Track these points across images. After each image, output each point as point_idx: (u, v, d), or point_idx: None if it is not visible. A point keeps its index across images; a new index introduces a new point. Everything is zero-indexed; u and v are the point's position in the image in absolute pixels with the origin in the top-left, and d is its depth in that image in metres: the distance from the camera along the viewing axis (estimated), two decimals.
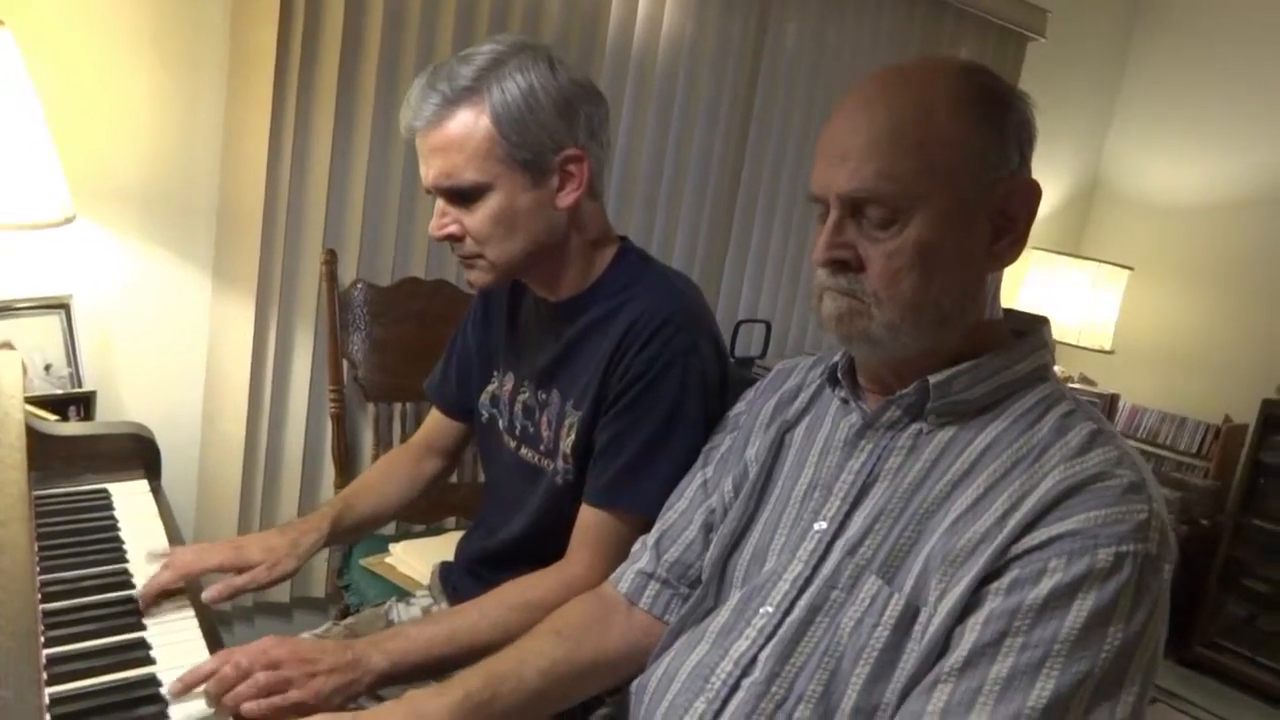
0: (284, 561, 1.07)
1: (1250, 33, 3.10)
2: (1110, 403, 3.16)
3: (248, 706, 0.81)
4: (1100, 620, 0.67)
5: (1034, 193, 0.79)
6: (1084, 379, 3.32)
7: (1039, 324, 0.86)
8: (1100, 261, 3.09)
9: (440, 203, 1.03)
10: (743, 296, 2.58)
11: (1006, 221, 0.78)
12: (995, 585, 0.70)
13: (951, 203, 0.75)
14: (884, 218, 0.75)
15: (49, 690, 0.80)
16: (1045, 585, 0.68)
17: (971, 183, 0.76)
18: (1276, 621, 2.81)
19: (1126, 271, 3.08)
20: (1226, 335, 3.14)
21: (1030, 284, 3.17)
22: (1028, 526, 0.70)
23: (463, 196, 1.00)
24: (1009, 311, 0.88)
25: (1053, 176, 3.31)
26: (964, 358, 0.80)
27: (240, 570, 1.05)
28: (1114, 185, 3.47)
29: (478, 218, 1.00)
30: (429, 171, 1.01)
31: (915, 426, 0.82)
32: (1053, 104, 3.09)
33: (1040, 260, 3.18)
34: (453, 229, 1.02)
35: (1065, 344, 3.08)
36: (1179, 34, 3.29)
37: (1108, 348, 3.08)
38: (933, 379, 0.80)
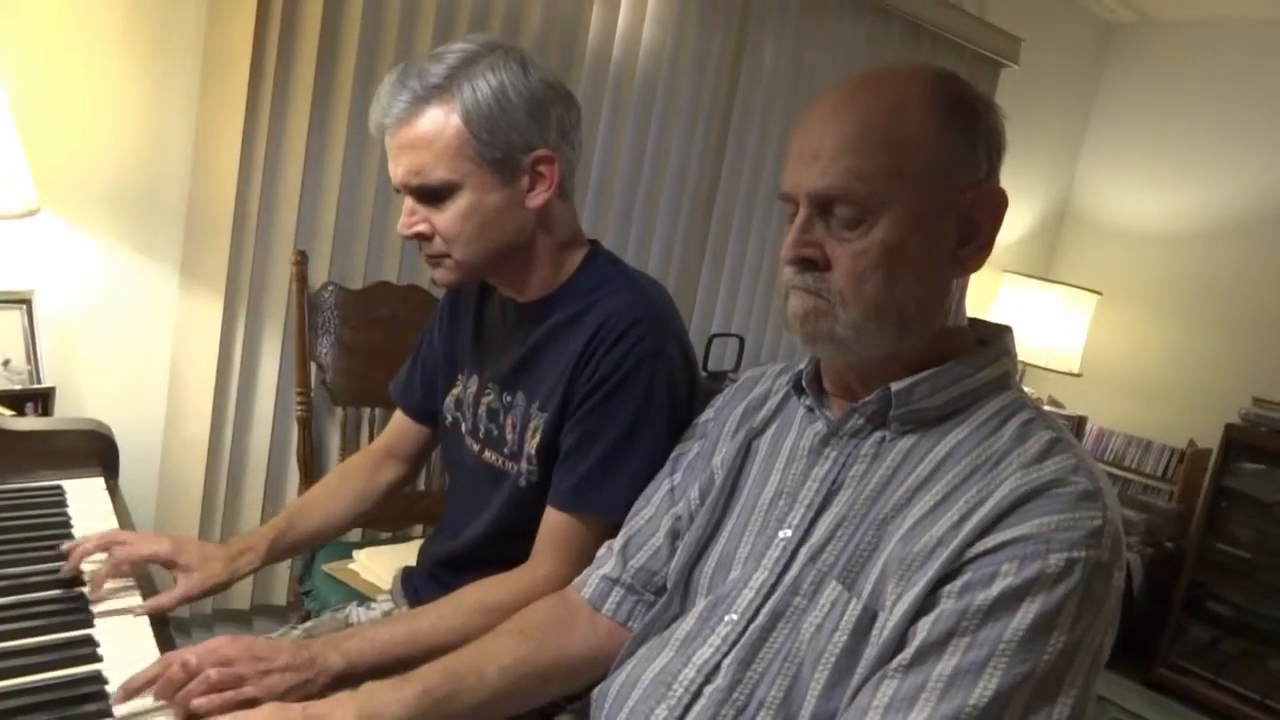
0: (216, 575, 1.06)
1: (1218, 68, 3.18)
2: (1078, 425, 3.20)
3: (198, 702, 0.78)
4: (1045, 625, 0.67)
5: (1000, 201, 0.80)
6: (1052, 401, 3.36)
7: (1002, 332, 0.86)
8: (1070, 285, 3.14)
9: (409, 201, 1.03)
10: (717, 310, 2.59)
11: (972, 228, 0.79)
12: (949, 588, 0.70)
13: (919, 205, 0.76)
14: (852, 217, 0.76)
15: None
16: (995, 588, 0.68)
17: (939, 187, 0.77)
18: (1239, 644, 2.84)
19: (1095, 296, 3.12)
20: (1192, 360, 3.19)
21: (1001, 306, 3.21)
22: (984, 531, 0.70)
23: (432, 195, 1.00)
24: (974, 321, 0.89)
25: (1024, 201, 3.36)
26: (927, 364, 0.80)
27: (171, 564, 1.04)
28: (1084, 211, 3.53)
29: (446, 217, 1.00)
30: (398, 169, 1.00)
31: (878, 434, 0.82)
32: (1024, 130, 3.15)
33: (1011, 283, 3.22)
34: (421, 228, 1.02)
35: (1034, 366, 3.12)
36: (1149, 67, 3.36)
37: (1076, 370, 3.12)
38: (894, 386, 0.80)
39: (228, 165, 1.67)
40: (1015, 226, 3.38)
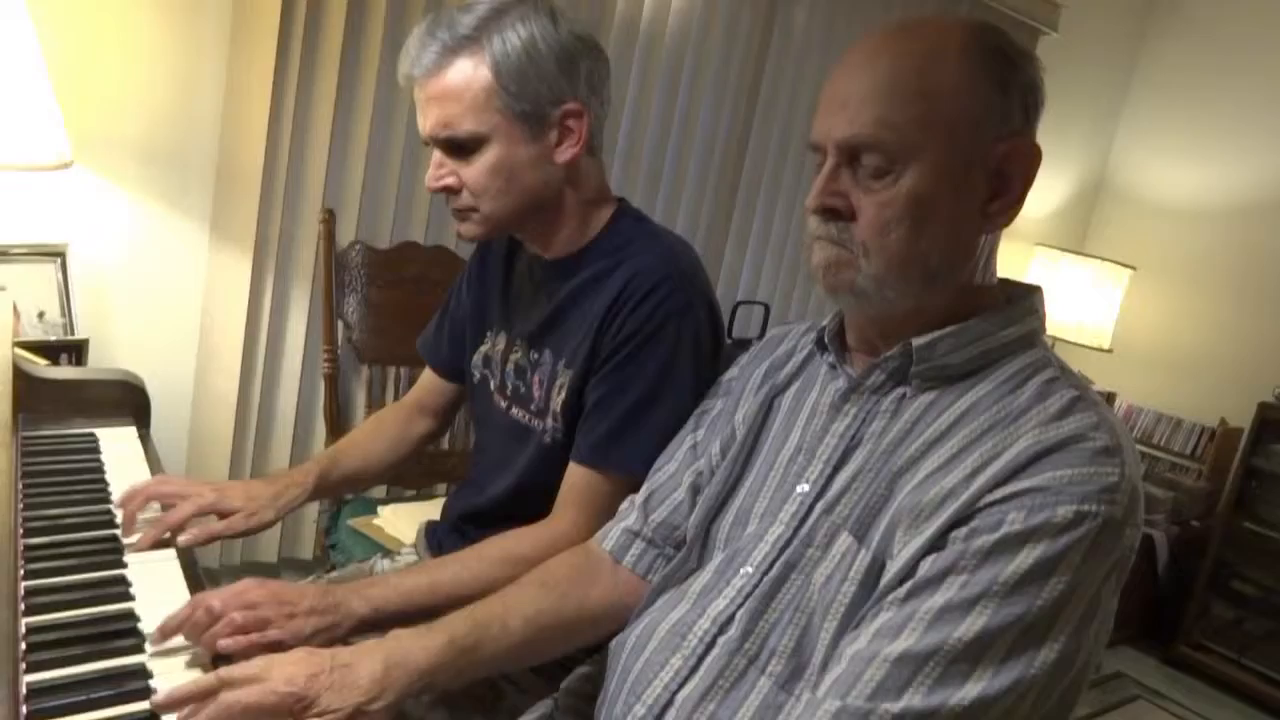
0: (262, 512, 1.07)
1: (1263, 36, 3.09)
2: (1106, 401, 3.16)
3: (224, 643, 0.80)
4: (1043, 571, 0.67)
5: (1034, 156, 0.78)
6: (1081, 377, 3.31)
7: (1031, 292, 0.85)
8: (1103, 260, 3.08)
9: (437, 154, 1.02)
10: (742, 278, 2.57)
11: (1003, 182, 0.77)
12: (954, 533, 0.70)
13: (948, 157, 0.75)
14: (879, 167, 0.75)
15: (26, 620, 0.80)
16: (999, 532, 0.68)
17: (971, 139, 0.75)
18: (1264, 624, 2.81)
19: (1129, 271, 3.07)
20: (1226, 338, 3.13)
21: (1032, 279, 3.15)
22: (997, 484, 0.70)
23: (460, 148, 0.99)
24: (1004, 281, 0.87)
25: (1059, 172, 3.30)
26: (952, 320, 0.79)
27: (220, 515, 1.04)
28: (1120, 184, 3.46)
29: (474, 170, 1.00)
30: (426, 121, 1.00)
31: (899, 390, 0.82)
32: (1061, 100, 3.07)
33: (1043, 256, 3.17)
34: (449, 181, 1.01)
35: (1064, 341, 3.08)
36: (1192, 35, 3.27)
37: (1106, 346, 3.08)
38: (916, 342, 0.79)
39: (257, 122, 1.67)
40: (1049, 199, 3.32)
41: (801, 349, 0.97)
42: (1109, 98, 3.41)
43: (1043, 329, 0.85)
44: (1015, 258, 3.22)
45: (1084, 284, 3.06)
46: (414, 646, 0.80)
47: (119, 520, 1.01)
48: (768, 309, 2.49)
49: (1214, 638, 2.87)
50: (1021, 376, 0.78)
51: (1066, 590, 0.67)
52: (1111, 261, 3.07)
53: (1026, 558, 0.67)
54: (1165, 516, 2.93)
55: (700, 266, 1.08)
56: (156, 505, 1.03)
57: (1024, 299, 0.84)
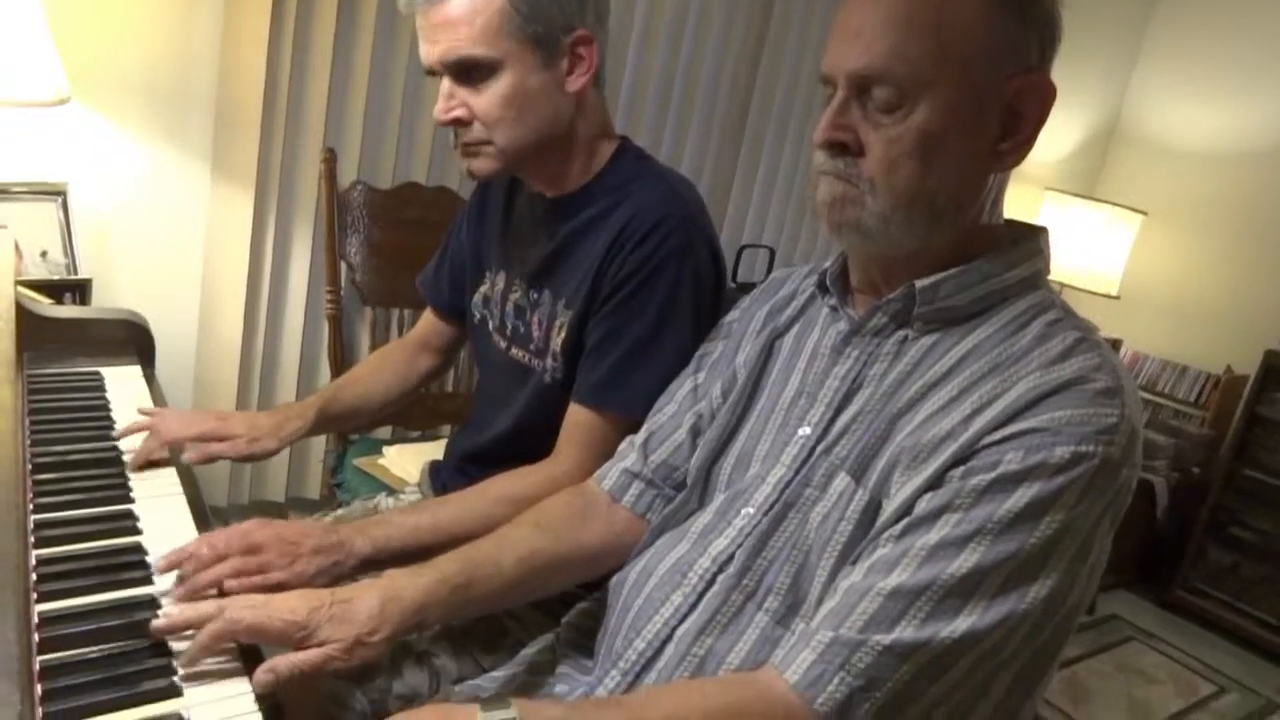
0: (264, 439, 1.08)
1: None
2: (1112, 348, 3.15)
3: (229, 583, 0.81)
4: (1038, 510, 0.68)
5: (1048, 94, 0.76)
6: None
7: (1037, 232, 0.84)
8: (1114, 205, 3.04)
9: (446, 84, 0.99)
10: (748, 221, 2.55)
11: (1016, 120, 0.76)
12: (951, 473, 0.71)
13: (962, 92, 0.73)
14: (890, 100, 0.73)
15: (36, 551, 0.82)
16: (996, 471, 0.69)
17: (985, 74, 0.73)
18: (1261, 570, 2.84)
19: (1140, 216, 3.03)
20: (1235, 285, 3.10)
21: (1041, 224, 3.12)
22: (995, 426, 0.70)
23: (470, 74, 0.97)
24: (1010, 221, 0.86)
25: (1071, 115, 3.24)
26: (956, 261, 0.79)
27: (220, 439, 1.05)
28: (1134, 128, 3.39)
29: (486, 99, 0.97)
30: (434, 48, 0.97)
31: (901, 333, 0.82)
32: (1077, 40, 3.00)
33: (1053, 200, 3.13)
34: (459, 112, 0.99)
35: (1071, 287, 3.06)
36: None
37: (1114, 293, 3.06)
38: (919, 284, 0.79)
39: (255, 57, 1.65)
40: (1060, 142, 3.26)
41: (803, 291, 0.96)
42: (1126, 38, 3.33)
43: (1047, 271, 0.84)
44: (1025, 201, 3.18)
45: (1094, 229, 3.03)
46: (408, 584, 0.81)
47: (126, 457, 1.02)
48: (773, 253, 2.47)
49: (1210, 582, 2.90)
50: (1024, 319, 0.78)
51: (1060, 529, 0.68)
52: (1122, 206, 3.03)
53: (1021, 497, 0.68)
54: (1166, 463, 2.94)
55: (702, 206, 1.07)
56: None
57: (1029, 240, 0.83)
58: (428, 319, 1.32)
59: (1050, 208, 3.13)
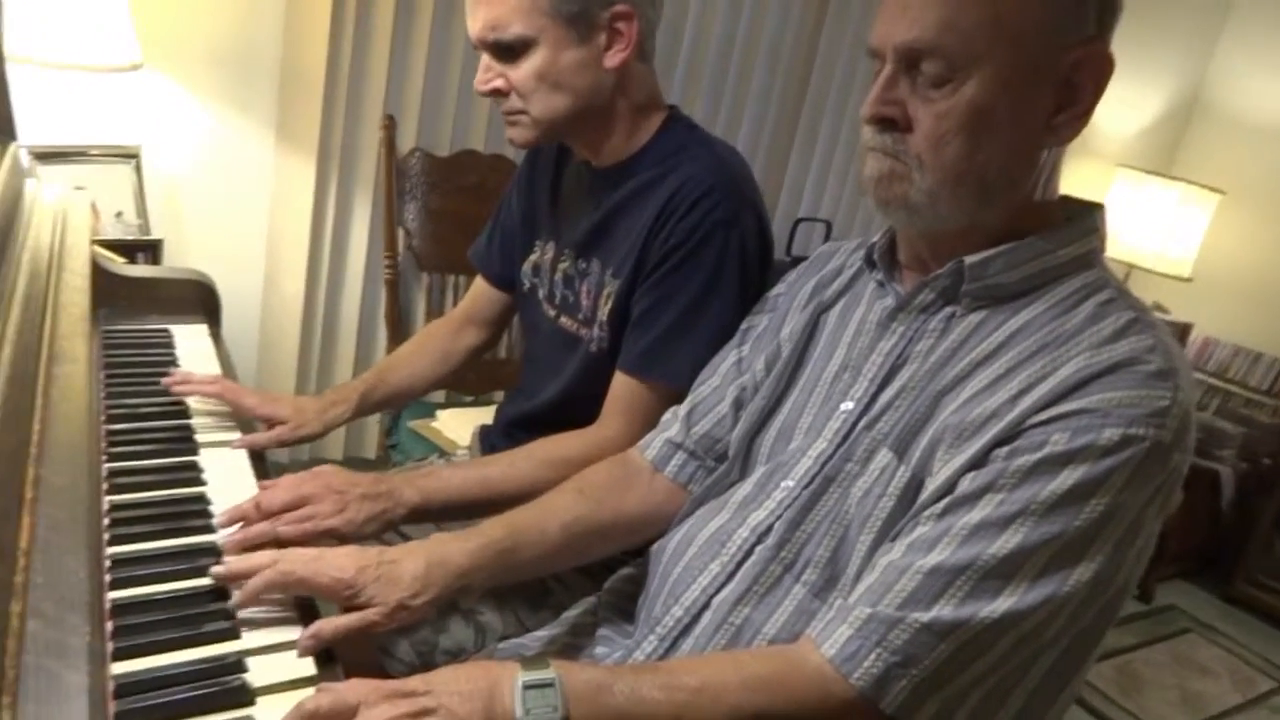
0: (309, 424, 1.12)
1: None
2: (1181, 332, 3.05)
3: (283, 530, 0.84)
4: (1083, 492, 0.66)
5: (1106, 66, 0.74)
6: (1157, 306, 3.20)
7: (1093, 209, 0.82)
8: (1190, 183, 2.93)
9: (485, 57, 1.02)
10: (805, 194, 2.52)
11: (1071, 93, 0.74)
12: (995, 452, 0.70)
13: (1014, 65, 0.71)
14: (940, 74, 0.72)
15: (108, 498, 0.86)
16: (1041, 452, 0.68)
17: (1040, 46, 0.71)
18: None
19: (1217, 196, 2.91)
20: None
21: (1112, 203, 3.02)
22: (1043, 406, 0.69)
23: (507, 51, 0.99)
24: (1066, 198, 0.84)
25: (1149, 89, 3.11)
26: (1008, 238, 0.77)
27: (270, 419, 1.09)
28: (1216, 103, 3.25)
29: (521, 73, 0.99)
30: (475, 23, 1.00)
31: (949, 310, 0.81)
32: (1157, 11, 2.88)
33: (1125, 178, 3.02)
34: (497, 84, 1.01)
35: (1141, 269, 2.96)
36: None
37: (1186, 275, 2.95)
38: (968, 260, 0.77)
39: (318, 26, 1.68)
40: (1136, 116, 3.14)
41: (850, 266, 0.95)
42: (1211, 9, 3.18)
43: (1102, 249, 0.82)
44: (1095, 178, 3.08)
45: (1167, 208, 2.92)
46: (454, 548, 0.83)
47: (192, 411, 1.07)
48: (829, 226, 2.44)
49: (1275, 576, 2.81)
50: (1077, 297, 0.76)
51: (1106, 512, 0.67)
52: (1199, 185, 2.92)
53: (1067, 479, 0.67)
54: (1234, 452, 2.84)
55: (750, 176, 1.07)
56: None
57: (1085, 218, 0.81)
58: (476, 291, 1.34)
59: (1122, 185, 3.02)
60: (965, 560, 0.67)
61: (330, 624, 0.74)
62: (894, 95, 0.75)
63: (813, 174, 2.51)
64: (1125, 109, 3.07)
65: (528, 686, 0.63)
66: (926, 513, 0.72)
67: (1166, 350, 0.71)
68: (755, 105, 2.34)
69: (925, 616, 0.67)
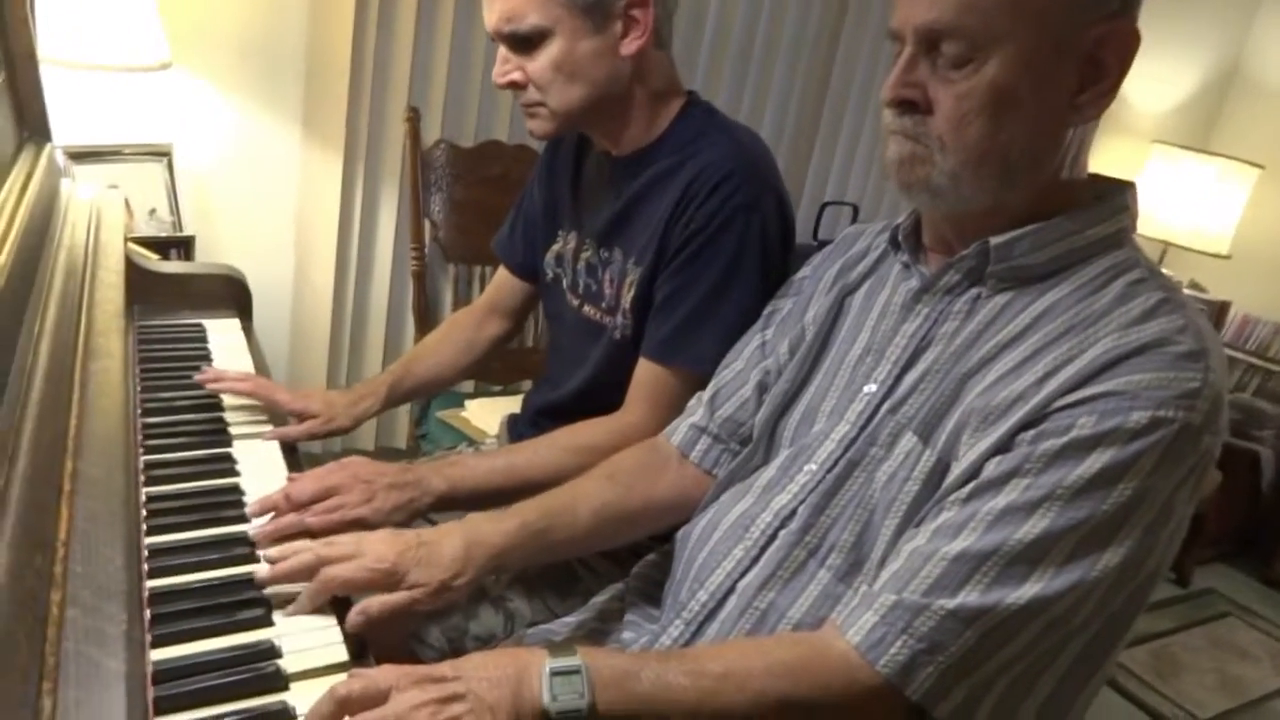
0: (339, 418, 1.13)
1: None
2: (1219, 311, 2.99)
3: (311, 521, 0.86)
4: (1111, 477, 0.66)
5: (1132, 41, 0.72)
6: (1194, 284, 3.14)
7: (1123, 188, 0.80)
8: (1228, 158, 2.86)
9: (502, 49, 1.02)
10: (831, 177, 2.50)
11: (1096, 70, 0.72)
12: (1021, 436, 0.69)
13: (1037, 44, 0.70)
14: (960, 55, 0.71)
15: (145, 490, 0.88)
16: (1068, 436, 0.67)
17: (1062, 23, 0.70)
18: None
19: (1256, 170, 2.84)
20: None
21: (1148, 180, 2.96)
22: (1070, 389, 0.68)
23: (523, 42, 0.99)
24: (1095, 176, 0.83)
25: (1185, 63, 3.04)
26: (1034, 218, 0.76)
27: (301, 414, 1.10)
28: (1255, 75, 3.16)
29: (538, 64, 1.00)
30: (491, 16, 1.00)
31: (974, 291, 0.80)
32: None
33: (1161, 154, 2.96)
34: (515, 76, 1.02)
35: (1177, 246, 2.91)
36: None
37: (1224, 252, 2.89)
38: (994, 241, 0.76)
39: (342, 20, 1.69)
40: (1171, 91, 3.07)
41: (875, 248, 0.95)
42: None
43: (1133, 228, 0.80)
44: (1130, 155, 3.02)
45: (1205, 184, 2.86)
46: (489, 528, 0.85)
47: (226, 404, 1.09)
48: (856, 209, 2.42)
49: None
50: (1105, 277, 0.75)
51: (1135, 496, 0.66)
52: (1237, 160, 2.85)
53: (1094, 463, 0.66)
54: (1275, 433, 2.78)
55: (770, 160, 1.06)
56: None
57: (1114, 196, 0.79)
58: (499, 282, 1.34)
59: (1158, 161, 2.96)
60: (991, 546, 0.67)
61: (377, 602, 0.76)
62: (914, 77, 0.74)
63: (839, 157, 2.49)
64: (1160, 83, 3.00)
65: (555, 673, 0.64)
66: (952, 498, 0.71)
67: (1198, 331, 0.69)
68: (780, 88, 2.32)
69: (951, 603, 0.67)
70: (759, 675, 0.68)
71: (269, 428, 1.06)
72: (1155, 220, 2.94)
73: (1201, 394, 0.67)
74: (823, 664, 0.70)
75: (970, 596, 0.67)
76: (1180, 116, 3.14)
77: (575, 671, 0.64)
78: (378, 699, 0.62)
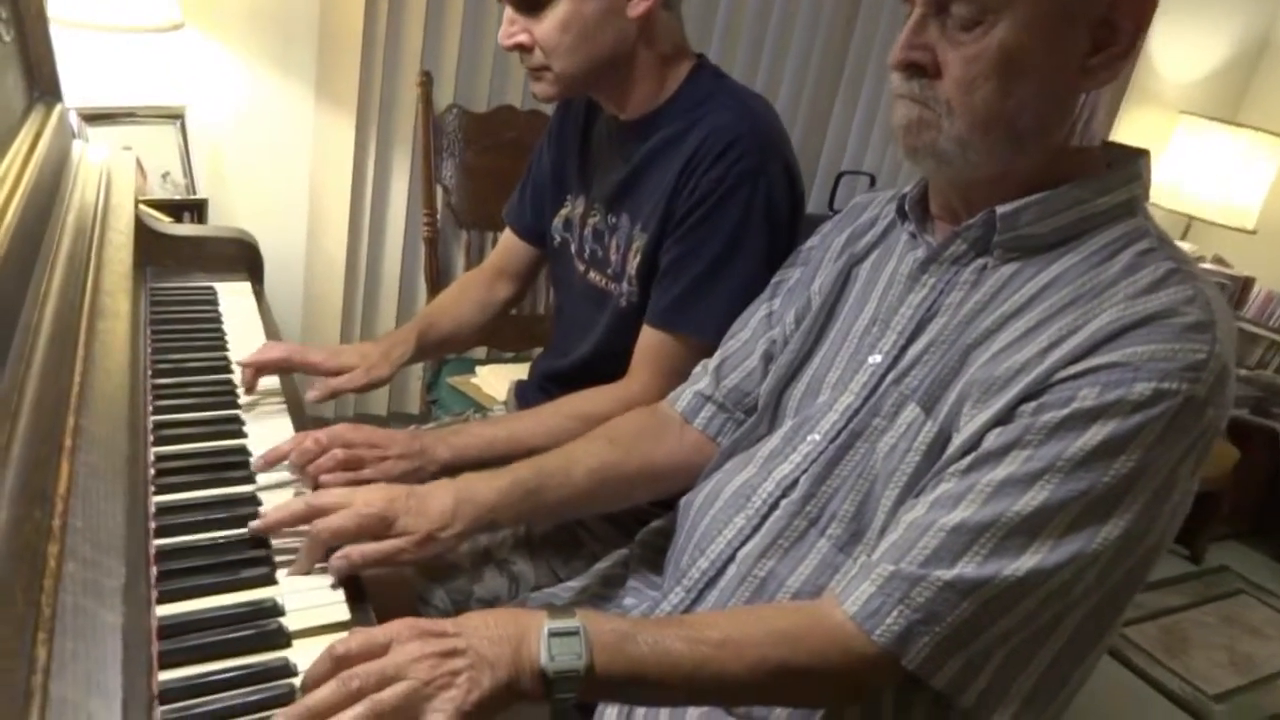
0: (378, 367, 1.12)
1: None
2: (1243, 286, 2.94)
3: (325, 477, 0.88)
4: (1112, 449, 0.65)
5: (1148, 4, 0.70)
6: (1218, 259, 3.08)
7: (1136, 156, 0.79)
8: (1258, 130, 2.79)
9: (508, 10, 1.01)
10: (849, 146, 2.47)
11: (1109, 33, 0.70)
12: (1022, 408, 0.69)
13: (1048, 5, 0.68)
14: (969, 17, 0.69)
15: (154, 449, 0.90)
16: (1069, 408, 0.66)
17: None
18: None
19: None
20: None
21: (1174, 153, 2.90)
22: (1073, 360, 0.68)
23: (529, 4, 0.98)
24: (1109, 144, 0.81)
25: (1214, 31, 2.96)
26: (1042, 187, 0.75)
27: (339, 371, 1.10)
28: None
29: (545, 26, 0.98)
30: None
31: (980, 261, 0.79)
32: None
33: (1189, 126, 2.90)
34: (520, 38, 1.01)
35: (1202, 220, 2.85)
36: None
37: (1250, 227, 2.84)
38: (1000, 210, 0.75)
39: None
40: (1200, 60, 3.00)
41: (884, 217, 0.93)
42: None
43: (1145, 197, 0.79)
44: (1156, 126, 2.96)
45: (1233, 157, 2.79)
46: (482, 486, 0.86)
47: (234, 365, 1.09)
48: (873, 179, 2.39)
49: None
50: (1114, 247, 0.74)
51: (1136, 469, 0.65)
52: (1268, 132, 2.78)
53: (1095, 435, 0.65)
54: None
55: (779, 126, 1.05)
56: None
57: (1126, 164, 0.77)
58: (505, 246, 1.33)
59: (1184, 133, 2.90)
60: (989, 518, 0.67)
61: (359, 549, 0.77)
62: (923, 40, 0.72)
63: (857, 125, 2.46)
64: (1188, 53, 2.93)
65: (553, 634, 0.65)
66: (951, 469, 0.71)
67: (1206, 302, 0.68)
68: (797, 56, 2.28)
69: (948, 574, 0.67)
70: (756, 642, 0.69)
71: (278, 390, 1.07)
72: (1180, 193, 2.88)
73: (1207, 366, 0.66)
74: (820, 632, 0.70)
75: (968, 568, 0.67)
76: (1208, 87, 3.07)
77: (574, 633, 0.65)
78: (377, 654, 0.63)
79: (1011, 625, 0.68)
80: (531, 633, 0.65)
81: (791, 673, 0.69)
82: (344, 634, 0.69)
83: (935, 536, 0.68)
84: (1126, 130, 2.85)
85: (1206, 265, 2.99)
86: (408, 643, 0.63)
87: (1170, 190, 2.90)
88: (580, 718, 0.90)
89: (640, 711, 0.83)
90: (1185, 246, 2.87)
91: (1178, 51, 2.88)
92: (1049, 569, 0.66)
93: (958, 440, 0.72)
